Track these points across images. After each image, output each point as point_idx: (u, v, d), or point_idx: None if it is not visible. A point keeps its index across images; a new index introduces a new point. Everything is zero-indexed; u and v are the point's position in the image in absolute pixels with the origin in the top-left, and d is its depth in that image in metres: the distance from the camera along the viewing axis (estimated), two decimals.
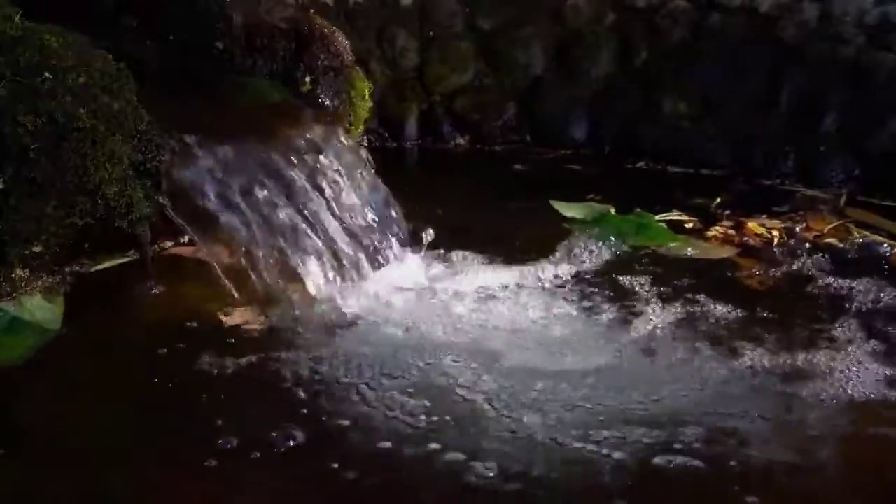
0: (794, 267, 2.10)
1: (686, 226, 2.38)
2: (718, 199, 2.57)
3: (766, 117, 2.85)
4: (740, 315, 1.82)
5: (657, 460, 1.31)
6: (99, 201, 1.56)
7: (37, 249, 1.55)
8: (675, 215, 2.42)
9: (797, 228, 2.35)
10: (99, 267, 1.82)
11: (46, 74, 1.50)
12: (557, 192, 2.58)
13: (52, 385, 1.53)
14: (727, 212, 2.46)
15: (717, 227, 2.34)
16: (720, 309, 1.83)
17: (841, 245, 2.26)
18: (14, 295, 1.62)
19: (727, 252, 2.21)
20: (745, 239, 2.29)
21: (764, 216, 2.43)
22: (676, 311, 1.82)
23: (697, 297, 1.89)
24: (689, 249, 2.21)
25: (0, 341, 1.59)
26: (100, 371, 1.58)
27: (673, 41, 3.05)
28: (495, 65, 3.22)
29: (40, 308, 1.66)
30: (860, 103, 2.73)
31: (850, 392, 1.52)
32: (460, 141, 3.20)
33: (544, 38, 3.19)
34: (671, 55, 3.04)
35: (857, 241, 2.27)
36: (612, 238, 2.21)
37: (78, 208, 1.54)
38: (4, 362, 1.56)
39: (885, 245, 2.24)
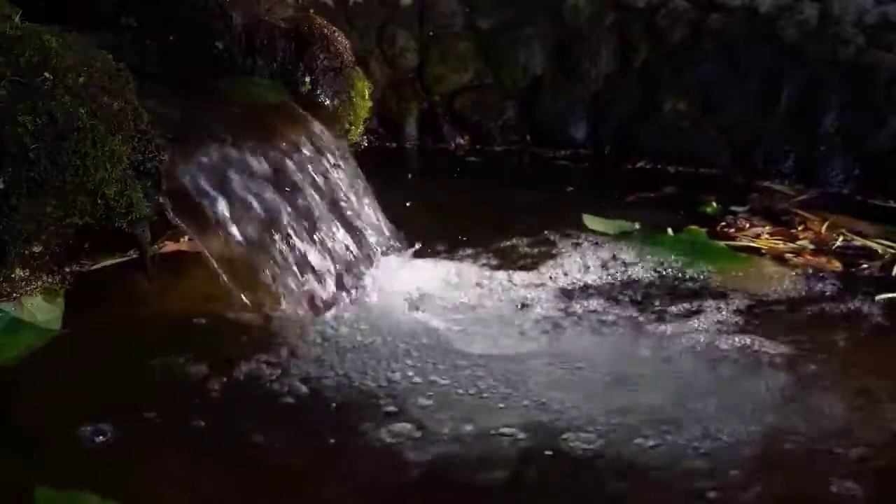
0: None
1: (736, 242, 2.23)
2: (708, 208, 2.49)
3: (766, 117, 2.85)
4: None
5: None
6: (99, 201, 1.56)
7: (37, 249, 1.55)
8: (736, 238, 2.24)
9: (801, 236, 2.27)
10: (98, 266, 1.82)
11: (46, 74, 1.50)
12: (557, 192, 2.57)
13: (51, 385, 1.53)
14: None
15: (776, 243, 2.22)
16: None
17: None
18: (14, 295, 1.62)
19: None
20: (815, 259, 2.12)
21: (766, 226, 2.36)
22: None
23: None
24: (760, 272, 2.00)
25: None
26: (99, 371, 1.58)
27: (673, 41, 3.05)
28: (495, 65, 3.22)
29: (40, 308, 1.66)
30: (860, 103, 2.72)
31: None
32: (460, 141, 3.20)
33: (544, 38, 3.19)
34: (671, 55, 3.04)
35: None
36: (671, 259, 2.06)
37: (78, 208, 1.54)
38: (3, 362, 1.56)
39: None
